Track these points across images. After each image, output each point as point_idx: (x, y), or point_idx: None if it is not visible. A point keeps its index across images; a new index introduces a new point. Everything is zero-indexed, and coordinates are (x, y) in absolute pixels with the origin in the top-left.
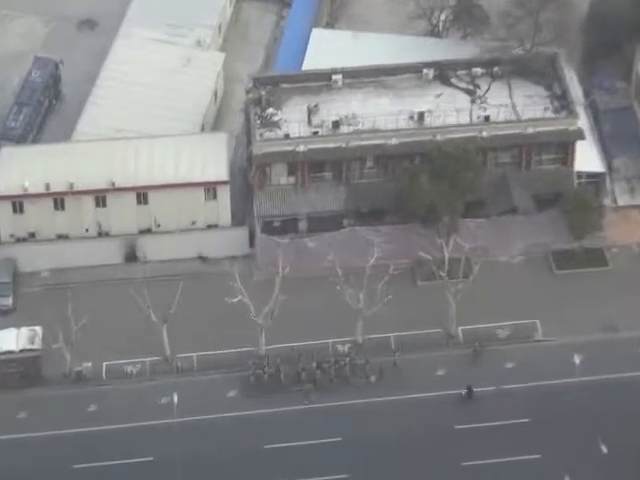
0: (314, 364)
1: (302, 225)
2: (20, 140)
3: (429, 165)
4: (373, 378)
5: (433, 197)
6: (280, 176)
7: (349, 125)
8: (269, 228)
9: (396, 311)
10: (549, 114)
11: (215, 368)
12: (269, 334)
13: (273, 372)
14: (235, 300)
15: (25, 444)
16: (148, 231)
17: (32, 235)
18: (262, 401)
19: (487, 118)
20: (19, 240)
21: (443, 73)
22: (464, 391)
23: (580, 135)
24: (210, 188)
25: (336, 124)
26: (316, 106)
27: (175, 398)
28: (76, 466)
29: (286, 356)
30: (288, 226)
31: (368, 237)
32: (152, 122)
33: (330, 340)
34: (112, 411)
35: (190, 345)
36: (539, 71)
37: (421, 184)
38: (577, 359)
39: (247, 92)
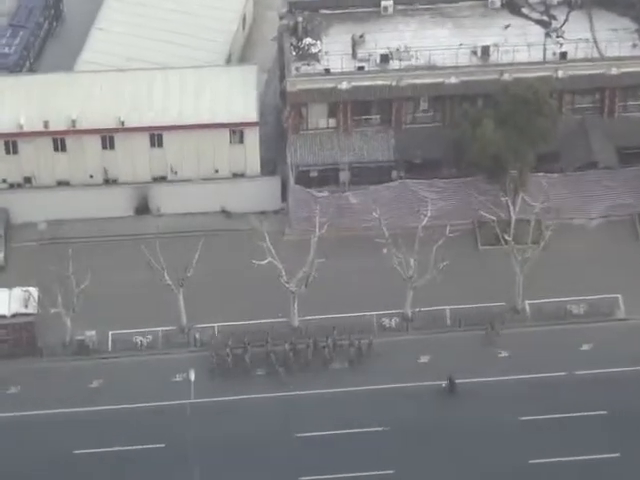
0: (286, 345)
1: (344, 176)
2: (15, 68)
3: (494, 109)
4: (349, 363)
5: (498, 147)
6: (319, 118)
7: (400, 60)
8: (305, 179)
9: (453, 280)
10: (637, 52)
11: (239, 341)
12: (303, 304)
13: (240, 353)
14: (264, 262)
15: (16, 425)
16: (163, 179)
17: (27, 181)
18: (227, 385)
19: (564, 55)
20: (12, 186)
21: (512, 0)
22: (445, 383)
23: None
24: (236, 130)
25: (385, 58)
26: (362, 36)
27: (192, 375)
28: (76, 452)
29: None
30: (327, 177)
31: (421, 192)
32: (169, 51)
33: (374, 313)
34: (118, 388)
35: (210, 314)
36: (626, 0)
37: (484, 131)
38: None
39: (281, 18)
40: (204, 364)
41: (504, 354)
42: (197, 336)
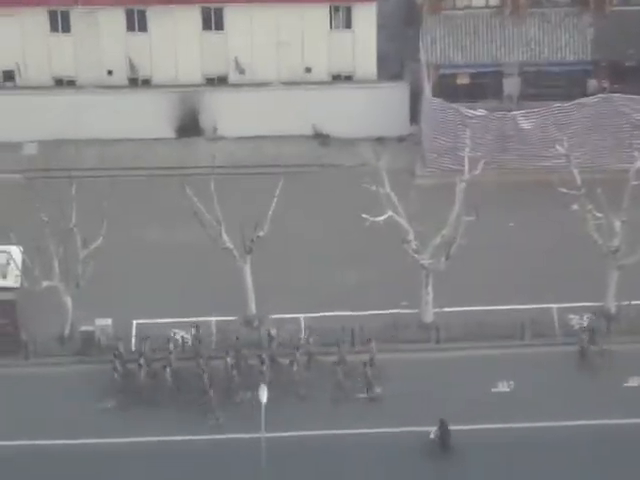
0: (229, 359)
1: (510, 86)
2: None
3: None
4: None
5: None
6: None
7: None
8: (449, 88)
9: None
10: None
11: (335, 343)
12: (440, 286)
13: (159, 368)
14: (381, 219)
15: None
16: (222, 81)
17: (9, 77)
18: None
19: None
20: None
21: None
22: (433, 431)
23: None
24: (340, 6)
25: None
26: None
27: (263, 394)
28: None
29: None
30: (484, 86)
31: (635, 115)
32: None
33: (554, 305)
34: (144, 411)
35: (294, 298)
36: None
37: None
38: None
39: None
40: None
41: None
42: (273, 333)
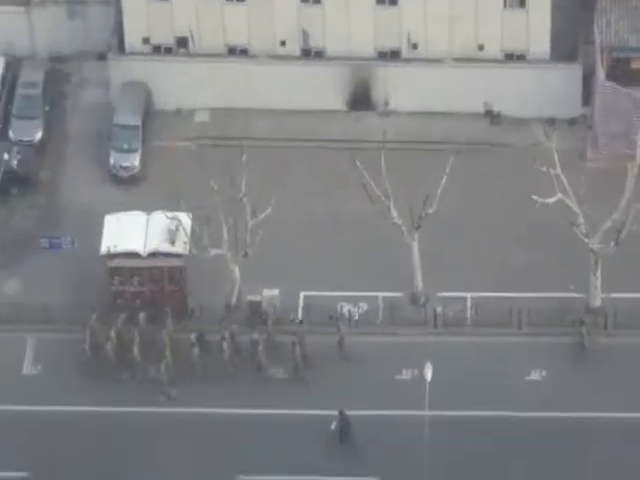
0: (193, 335)
1: None
2: None
3: None
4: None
5: None
6: None
7: None
8: (623, 72)
9: None
10: None
11: (501, 324)
12: (609, 271)
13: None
14: (550, 201)
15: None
16: (394, 56)
17: (181, 43)
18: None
19: None
20: (158, 50)
21: None
22: (334, 422)
23: None
24: None
25: None
26: None
27: (428, 372)
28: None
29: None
30: None
31: None
32: None
33: None
34: (319, 382)
35: (461, 277)
36: None
37: None
38: None
39: None
40: (448, 354)
41: None
42: (439, 310)
